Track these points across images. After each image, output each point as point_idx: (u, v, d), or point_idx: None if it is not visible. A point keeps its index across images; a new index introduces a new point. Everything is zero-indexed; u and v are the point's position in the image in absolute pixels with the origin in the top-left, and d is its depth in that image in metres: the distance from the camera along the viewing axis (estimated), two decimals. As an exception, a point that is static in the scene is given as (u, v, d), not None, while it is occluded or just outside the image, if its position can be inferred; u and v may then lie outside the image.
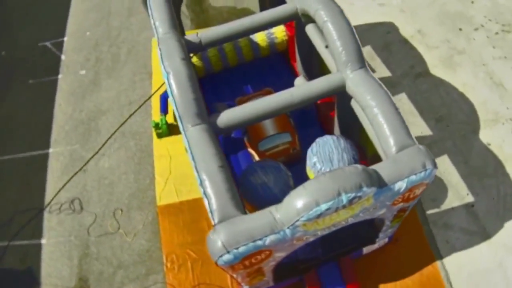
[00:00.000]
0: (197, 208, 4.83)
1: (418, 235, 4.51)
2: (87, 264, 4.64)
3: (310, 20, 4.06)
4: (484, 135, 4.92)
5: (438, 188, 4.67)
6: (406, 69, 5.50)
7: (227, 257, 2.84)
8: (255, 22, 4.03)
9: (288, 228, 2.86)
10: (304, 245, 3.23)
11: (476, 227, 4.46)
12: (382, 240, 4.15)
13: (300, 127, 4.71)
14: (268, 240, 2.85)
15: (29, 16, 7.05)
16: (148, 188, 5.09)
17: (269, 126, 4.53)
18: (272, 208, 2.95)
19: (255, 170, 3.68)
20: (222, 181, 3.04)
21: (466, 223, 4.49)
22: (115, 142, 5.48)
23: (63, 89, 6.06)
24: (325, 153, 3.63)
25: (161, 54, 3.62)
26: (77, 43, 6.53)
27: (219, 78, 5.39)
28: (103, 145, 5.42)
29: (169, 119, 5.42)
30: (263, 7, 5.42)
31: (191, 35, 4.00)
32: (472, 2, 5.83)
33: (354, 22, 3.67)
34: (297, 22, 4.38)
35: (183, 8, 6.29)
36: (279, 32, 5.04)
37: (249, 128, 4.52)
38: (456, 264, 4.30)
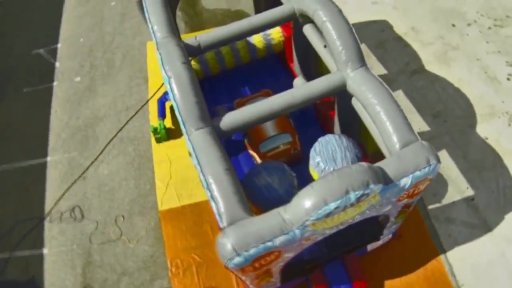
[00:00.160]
0: (199, 212, 4.83)
1: (421, 230, 4.55)
2: (90, 272, 4.59)
3: (308, 20, 4.08)
4: (481, 129, 4.98)
5: (438, 183, 4.72)
6: (401, 66, 5.55)
7: (237, 259, 2.84)
8: (253, 24, 4.03)
9: (298, 228, 2.87)
10: (311, 244, 3.25)
11: (477, 220, 4.51)
12: (386, 236, 4.19)
13: (300, 127, 4.73)
14: (278, 241, 2.86)
15: (22, 24, 6.97)
16: (149, 193, 5.06)
17: (269, 127, 4.53)
18: (281, 209, 2.96)
19: (259, 172, 3.68)
20: (229, 184, 3.04)
21: (467, 217, 4.54)
22: (113, 148, 5.44)
23: (58, 96, 6.00)
24: (328, 152, 3.65)
25: (161, 59, 3.61)
26: (71, 49, 6.47)
27: (217, 80, 5.38)
28: (102, 151, 5.43)
29: (167, 123, 5.41)
30: (258, 9, 5.43)
31: (190, 38, 3.99)
32: (464, -2, 5.93)
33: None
34: (295, 23, 4.39)
35: (177, 11, 6.27)
36: (276, 33, 5.06)
37: (250, 130, 4.53)
38: (459, 257, 4.34)
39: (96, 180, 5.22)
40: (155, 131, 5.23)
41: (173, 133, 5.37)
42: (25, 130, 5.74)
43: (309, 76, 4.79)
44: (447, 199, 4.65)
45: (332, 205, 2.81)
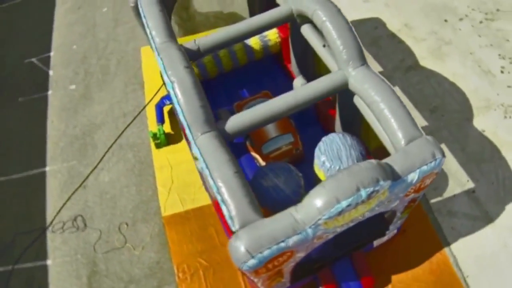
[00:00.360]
0: (203, 216, 4.82)
1: (424, 224, 4.61)
2: (96, 282, 4.54)
3: (306, 21, 4.10)
4: (478, 122, 5.07)
5: (439, 176, 4.77)
6: (396, 63, 5.62)
7: (252, 262, 2.84)
8: (252, 26, 4.04)
9: (310, 227, 2.89)
10: (321, 243, 3.27)
11: (479, 212, 4.59)
12: (391, 232, 4.23)
13: (300, 127, 4.76)
14: (291, 241, 2.88)
15: (12, 33, 6.86)
16: (151, 199, 5.03)
17: (271, 129, 4.55)
18: (292, 209, 2.98)
19: (265, 173, 3.69)
20: (239, 187, 3.04)
21: (469, 209, 4.61)
22: (113, 156, 5.39)
23: (54, 105, 5.92)
24: (333, 151, 3.68)
25: (162, 64, 3.59)
26: (64, 57, 6.39)
27: (214, 84, 5.38)
28: (101, 159, 5.38)
29: (167, 128, 5.39)
30: (252, 11, 5.44)
31: (189, 42, 3.98)
32: (454, -7, 6.02)
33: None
34: (292, 24, 4.41)
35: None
36: (272, 34, 5.07)
37: (251, 132, 4.53)
38: (463, 249, 4.41)
39: (97, 188, 5.16)
40: (154, 136, 5.20)
41: (172, 138, 5.35)
42: (22, 141, 5.65)
43: (307, 76, 4.82)
44: (448, 193, 4.72)
45: (344, 203, 2.85)
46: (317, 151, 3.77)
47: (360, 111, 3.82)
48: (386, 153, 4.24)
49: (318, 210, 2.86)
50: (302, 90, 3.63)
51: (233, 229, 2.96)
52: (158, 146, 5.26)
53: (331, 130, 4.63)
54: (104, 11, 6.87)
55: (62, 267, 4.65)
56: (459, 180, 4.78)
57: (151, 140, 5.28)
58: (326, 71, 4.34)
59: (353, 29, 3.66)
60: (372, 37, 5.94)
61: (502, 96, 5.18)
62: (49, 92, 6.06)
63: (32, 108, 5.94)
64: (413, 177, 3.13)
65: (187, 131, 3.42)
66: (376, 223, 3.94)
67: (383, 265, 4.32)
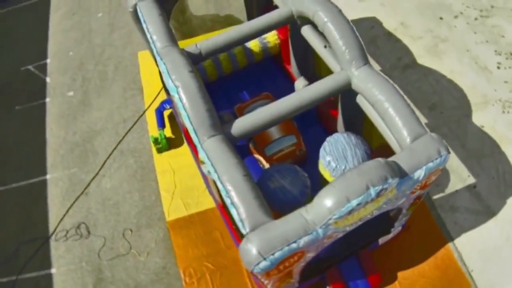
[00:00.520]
0: (208, 220, 4.81)
1: (428, 220, 4.65)
2: (102, 289, 4.52)
3: (306, 22, 4.12)
4: (477, 118, 5.13)
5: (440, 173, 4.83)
6: (394, 62, 5.67)
7: (264, 264, 2.84)
8: (253, 29, 4.05)
9: (321, 227, 2.91)
10: (330, 242, 3.29)
11: (481, 207, 4.64)
12: (396, 229, 4.26)
13: (301, 128, 4.77)
14: (302, 241, 2.89)
15: (7, 41, 6.80)
16: (154, 204, 5.00)
17: (273, 130, 4.56)
18: (302, 210, 2.99)
19: (272, 175, 3.70)
20: (248, 190, 3.04)
21: (471, 204, 4.67)
22: (114, 162, 5.36)
23: (52, 112, 5.87)
24: (339, 151, 3.70)
25: (166, 68, 3.58)
26: (61, 64, 6.34)
27: (214, 87, 5.37)
28: (102, 165, 5.34)
29: (167, 133, 5.37)
30: (250, 14, 5.44)
31: (190, 46, 3.98)
32: (448, -9, 6.09)
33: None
34: (292, 25, 4.43)
35: (167, 19, 6.23)
36: (271, 36, 5.09)
37: (254, 135, 4.54)
38: (467, 244, 4.46)
39: (99, 195, 5.13)
40: (156, 141, 5.18)
41: (173, 142, 5.34)
42: (21, 149, 5.60)
43: (307, 77, 4.84)
44: (450, 188, 4.77)
45: (354, 202, 2.87)
46: (322, 151, 3.78)
47: (363, 110, 3.85)
48: (387, 151, 4.28)
49: (329, 210, 2.87)
50: (307, 91, 3.64)
51: (244, 232, 2.95)
52: (159, 150, 5.24)
53: (333, 130, 4.65)
54: (99, 17, 6.84)
55: (67, 275, 4.62)
56: (460, 176, 4.83)
57: (152, 145, 5.26)
58: (327, 71, 4.36)
59: (355, 29, 3.68)
60: (369, 37, 5.98)
61: (499, 92, 5.25)
62: (47, 100, 6.01)
63: (30, 116, 5.89)
64: (419, 174, 3.16)
65: (193, 135, 3.42)
66: (382, 221, 3.97)
67: (389, 262, 4.35)
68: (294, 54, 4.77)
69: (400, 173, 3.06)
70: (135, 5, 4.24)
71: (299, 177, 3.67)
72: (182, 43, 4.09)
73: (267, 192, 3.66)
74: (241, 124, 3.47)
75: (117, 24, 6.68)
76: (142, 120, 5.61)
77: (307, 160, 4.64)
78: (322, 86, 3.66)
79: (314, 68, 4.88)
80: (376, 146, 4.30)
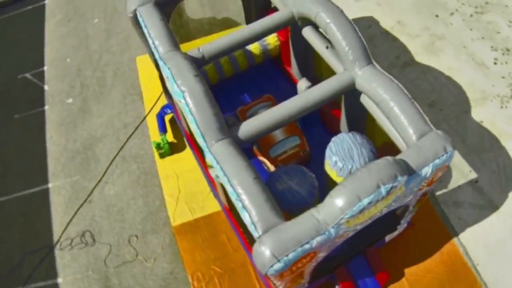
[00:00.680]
0: (214, 223, 4.81)
1: (432, 216, 4.70)
2: (110, 296, 4.49)
3: (307, 23, 4.15)
4: (476, 114, 5.20)
5: (442, 169, 4.88)
6: (392, 60, 5.72)
7: (278, 265, 2.86)
8: (254, 32, 4.06)
9: (333, 227, 2.93)
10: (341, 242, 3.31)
11: (484, 201, 4.70)
12: (402, 226, 4.30)
13: (303, 129, 4.79)
14: (315, 242, 2.91)
15: (2, 49, 6.72)
16: (159, 210, 4.98)
17: (277, 132, 4.56)
18: (313, 210, 3.01)
19: (279, 176, 3.71)
20: (259, 192, 3.05)
21: (474, 199, 4.72)
22: (116, 168, 5.33)
23: (52, 120, 5.81)
24: (345, 151, 3.72)
25: (171, 73, 3.58)
26: (58, 71, 6.29)
27: (215, 90, 5.35)
28: (105, 172, 5.32)
29: (169, 137, 5.36)
30: (248, 16, 5.45)
31: (193, 50, 3.98)
32: (443, -11, 6.16)
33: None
34: (292, 27, 4.45)
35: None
36: (271, 38, 5.10)
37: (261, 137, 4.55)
38: (471, 239, 4.51)
39: (103, 202, 5.10)
40: (158, 146, 5.17)
41: (176, 147, 5.33)
42: (21, 158, 5.53)
43: (308, 78, 4.85)
44: (452, 184, 4.83)
45: (366, 201, 2.90)
46: (328, 152, 3.80)
47: (367, 110, 3.88)
48: (390, 149, 4.32)
49: (341, 210, 2.90)
50: (312, 92, 3.66)
51: (256, 235, 2.96)
52: (162, 156, 5.23)
53: (335, 130, 4.68)
54: (95, 23, 6.80)
55: (73, 284, 4.58)
56: (462, 171, 4.89)
57: (154, 150, 5.24)
58: (328, 72, 4.39)
59: (357, 29, 3.72)
60: (367, 36, 6.01)
61: (497, 87, 5.32)
62: (46, 107, 5.95)
63: (29, 124, 5.83)
64: (427, 171, 3.21)
65: (200, 140, 3.41)
66: (389, 219, 4.00)
67: (395, 260, 4.39)
68: (295, 56, 4.79)
69: (408, 171, 3.10)
70: (135, 10, 4.24)
71: (307, 178, 3.69)
72: (181, 47, 4.09)
73: (275, 194, 3.65)
74: (248, 127, 3.48)
75: (113, 29, 6.65)
76: (143, 126, 5.59)
77: (311, 160, 4.67)
78: (327, 87, 3.68)
79: (314, 69, 4.91)
80: (379, 145, 4.33)
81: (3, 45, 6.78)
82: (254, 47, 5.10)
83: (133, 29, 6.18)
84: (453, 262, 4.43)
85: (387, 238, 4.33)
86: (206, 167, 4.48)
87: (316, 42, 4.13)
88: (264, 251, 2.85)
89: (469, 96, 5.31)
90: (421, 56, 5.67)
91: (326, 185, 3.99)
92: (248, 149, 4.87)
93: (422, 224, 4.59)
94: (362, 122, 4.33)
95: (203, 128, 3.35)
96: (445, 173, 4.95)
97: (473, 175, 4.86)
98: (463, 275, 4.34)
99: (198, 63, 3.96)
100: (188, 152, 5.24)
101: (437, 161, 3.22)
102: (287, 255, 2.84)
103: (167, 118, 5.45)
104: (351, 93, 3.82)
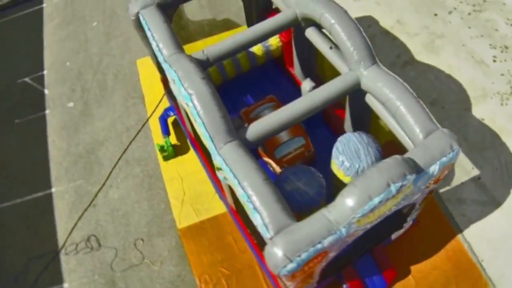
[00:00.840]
0: (220, 225, 4.82)
1: (437, 213, 4.75)
2: (118, 301, 4.47)
3: (310, 24, 4.16)
4: (477, 111, 5.25)
5: (445, 166, 4.91)
6: (393, 59, 5.75)
7: (290, 266, 2.87)
8: (258, 33, 4.07)
9: (344, 226, 2.95)
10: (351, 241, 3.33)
11: (486, 197, 4.75)
12: (408, 223, 4.33)
13: (307, 129, 4.80)
14: (326, 242, 2.93)
15: (1, 53, 6.67)
16: (164, 213, 4.98)
17: (282, 133, 4.57)
18: (324, 211, 3.02)
19: (287, 177, 3.72)
20: (270, 194, 3.06)
21: (477, 195, 4.77)
22: (120, 172, 5.31)
23: (53, 124, 5.78)
24: (351, 150, 3.74)
25: (177, 76, 3.57)
26: (58, 75, 6.25)
27: (219, 91, 5.35)
28: (109, 176, 5.30)
29: (173, 140, 5.35)
30: (249, 18, 5.45)
31: (197, 52, 3.98)
32: (441, -13, 6.21)
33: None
34: (295, 28, 4.46)
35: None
36: (273, 39, 5.11)
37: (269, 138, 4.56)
38: (475, 235, 4.56)
39: (107, 206, 5.08)
40: (162, 149, 5.16)
41: (179, 149, 5.32)
42: (24, 163, 5.50)
43: (310, 78, 4.87)
44: (455, 181, 4.87)
45: (376, 200, 2.93)
46: (335, 151, 3.82)
47: (371, 109, 3.91)
48: (394, 148, 4.35)
49: (352, 209, 2.92)
50: (318, 93, 3.68)
51: (268, 236, 2.97)
52: (166, 158, 5.22)
53: (339, 130, 4.70)
54: (94, 26, 6.76)
55: (80, 289, 4.56)
56: (464, 169, 4.94)
57: (158, 153, 5.24)
58: (330, 72, 4.41)
59: (362, 29, 3.74)
60: (367, 35, 6.00)
61: (497, 84, 5.38)
62: (47, 112, 5.92)
63: (30, 129, 5.79)
64: (434, 169, 3.24)
65: (208, 143, 3.41)
66: (396, 217, 4.03)
67: (401, 257, 4.43)
68: (297, 56, 4.80)
69: (417, 169, 3.13)
70: (138, 13, 4.22)
71: (315, 178, 3.70)
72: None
73: (284, 195, 3.63)
74: (256, 129, 3.49)
75: (113, 32, 6.62)
76: (146, 128, 5.58)
77: (315, 160, 4.68)
78: (333, 88, 3.70)
79: (317, 69, 4.93)
80: (382, 144, 4.36)
81: (1, 50, 6.73)
82: (256, 48, 5.11)
83: (132, 32, 6.17)
84: (458, 258, 4.48)
85: (393, 236, 4.37)
86: (211, 168, 4.49)
87: (319, 42, 4.14)
88: (276, 252, 2.86)
89: (470, 93, 5.37)
90: (421, 55, 5.72)
91: (331, 185, 4.02)
92: (253, 151, 4.88)
93: (427, 221, 4.63)
94: (366, 122, 4.35)
95: (212, 130, 3.35)
96: (449, 170, 5.01)
97: (475, 172, 4.91)
98: (469, 271, 4.39)
99: (203, 65, 3.96)
100: (191, 154, 5.24)
101: (444, 159, 3.25)
102: (299, 256, 2.86)
103: (170, 120, 5.45)
104: (356, 93, 3.84)
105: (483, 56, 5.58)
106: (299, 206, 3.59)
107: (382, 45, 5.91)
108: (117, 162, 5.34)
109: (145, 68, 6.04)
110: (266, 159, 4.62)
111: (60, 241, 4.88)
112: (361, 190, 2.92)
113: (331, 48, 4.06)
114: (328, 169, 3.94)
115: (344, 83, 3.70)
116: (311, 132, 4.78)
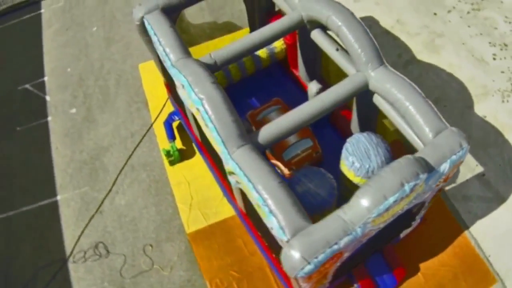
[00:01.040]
0: (229, 228, 4.82)
1: (443, 211, 4.79)
2: (129, 307, 4.46)
3: (315, 26, 4.19)
4: (479, 109, 5.32)
5: (450, 164, 4.97)
6: (394, 59, 5.80)
7: (308, 268, 2.89)
8: (265, 36, 4.08)
9: (359, 227, 2.98)
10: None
11: (491, 194, 4.81)
12: (416, 222, 4.38)
13: (313, 130, 4.83)
14: (342, 242, 2.96)
15: (0, 60, 6.61)
16: (172, 218, 4.97)
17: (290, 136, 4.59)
18: (339, 212, 3.05)
19: (299, 179, 3.74)
20: (285, 197, 3.08)
21: (482, 192, 4.83)
22: (126, 177, 5.29)
23: (56, 131, 5.74)
24: (361, 151, 3.77)
25: (187, 81, 3.57)
26: (59, 81, 6.20)
27: None
28: (114, 182, 5.27)
29: (178, 144, 5.34)
30: (251, 20, 5.46)
31: (205, 57, 3.98)
32: (439, -13, 6.28)
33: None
34: (300, 30, 4.48)
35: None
36: (277, 42, 5.13)
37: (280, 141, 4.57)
38: (481, 231, 4.62)
39: (114, 213, 5.05)
40: (168, 154, 5.14)
41: (185, 154, 5.31)
42: (27, 171, 5.45)
43: (315, 80, 4.89)
44: (460, 179, 4.93)
45: (391, 199, 2.97)
46: (344, 153, 3.84)
47: (378, 110, 3.94)
48: (399, 147, 4.39)
49: (367, 209, 2.95)
50: (327, 95, 3.70)
51: (285, 238, 2.98)
52: (172, 163, 5.21)
53: (345, 130, 4.73)
54: (94, 31, 6.73)
55: (90, 297, 4.54)
56: (469, 166, 4.99)
57: (164, 158, 5.22)
58: (336, 73, 4.43)
59: (368, 30, 3.77)
60: (367, 36, 6.10)
61: (497, 82, 5.45)
62: (49, 118, 5.87)
63: (33, 136, 5.74)
64: (444, 167, 3.29)
65: (220, 147, 3.42)
66: (406, 215, 4.06)
67: (410, 255, 4.46)
68: (302, 58, 4.82)
69: (428, 168, 3.17)
70: (142, 18, 4.22)
71: (326, 179, 3.73)
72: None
73: (296, 197, 3.69)
74: (267, 132, 3.51)
75: (113, 37, 6.59)
76: (150, 133, 5.56)
77: (322, 161, 4.71)
78: (341, 89, 3.73)
79: (321, 71, 4.95)
80: (388, 143, 4.40)
81: (1, 57, 6.66)
82: (261, 51, 5.12)
83: (133, 36, 6.18)
84: (465, 255, 4.53)
85: (402, 234, 4.41)
86: (219, 172, 4.49)
87: (325, 44, 4.17)
88: (294, 254, 2.88)
89: (471, 91, 5.43)
90: (422, 54, 5.77)
91: (341, 185, 4.04)
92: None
93: (434, 219, 4.68)
94: (373, 122, 4.39)
95: (224, 135, 3.36)
96: (457, 168, 5.06)
97: (479, 169, 4.97)
98: (476, 267, 4.44)
99: (210, 70, 3.95)
100: (197, 158, 5.23)
101: (454, 157, 3.30)
102: (316, 257, 2.88)
103: (175, 124, 5.43)
104: (363, 94, 3.88)
105: (483, 54, 5.65)
106: (311, 208, 3.60)
107: (383, 45, 5.93)
108: (122, 168, 5.32)
109: (148, 73, 6.02)
110: (274, 161, 4.64)
111: (68, 249, 4.85)
112: (376, 190, 2.96)
113: (337, 49, 4.09)
114: (336, 169, 3.97)
115: (353, 84, 3.73)
116: (317, 134, 4.81)
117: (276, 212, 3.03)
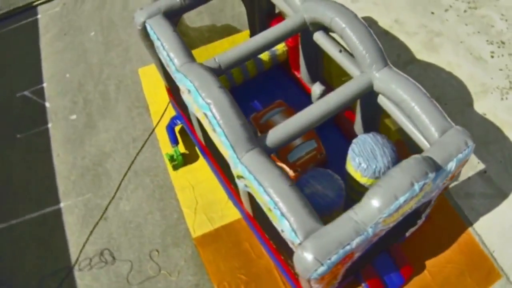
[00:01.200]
0: (235, 232, 4.82)
1: (447, 209, 4.84)
2: (137, 314, 4.43)
3: (317, 28, 4.21)
4: (479, 107, 5.38)
5: (452, 162, 5.02)
6: (394, 59, 5.85)
7: (321, 269, 2.92)
8: (268, 39, 4.10)
9: (371, 227, 3.01)
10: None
11: (493, 190, 4.87)
12: (422, 220, 4.42)
13: (317, 131, 4.85)
14: (355, 243, 2.99)
15: (-2, 68, 6.56)
16: (178, 222, 4.95)
17: None
18: (350, 213, 3.07)
19: (307, 181, 3.76)
20: (296, 199, 3.09)
21: (484, 188, 4.89)
22: (129, 183, 5.26)
23: (57, 138, 5.69)
24: (368, 151, 3.80)
25: (194, 86, 3.57)
26: (58, 87, 6.15)
27: None
28: (118, 188, 5.25)
29: (181, 148, 5.33)
30: (251, 22, 5.48)
31: (209, 61, 3.98)
32: (435, -15, 6.35)
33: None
34: (302, 32, 4.50)
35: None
36: (279, 44, 5.13)
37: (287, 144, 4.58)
38: (485, 227, 4.67)
39: (119, 219, 5.02)
40: (171, 158, 5.13)
41: (188, 158, 5.31)
42: (29, 179, 5.38)
43: (316, 82, 4.92)
44: (462, 176, 4.98)
45: (402, 199, 3.01)
46: (351, 153, 3.87)
47: (382, 110, 3.98)
48: (402, 147, 4.42)
49: (379, 209, 2.98)
50: (333, 96, 3.72)
51: (297, 241, 3.00)
52: (175, 167, 5.20)
53: (349, 131, 4.76)
54: (92, 36, 6.68)
55: (97, 304, 4.51)
56: (470, 163, 5.05)
57: (167, 162, 5.21)
58: (339, 75, 4.45)
59: (372, 32, 3.80)
60: (366, 36, 6.13)
61: (496, 80, 5.53)
62: (49, 125, 5.82)
63: (34, 144, 5.68)
64: (451, 166, 3.34)
65: (229, 151, 3.42)
66: (413, 214, 4.10)
67: (416, 253, 4.50)
68: (305, 60, 4.84)
69: (436, 167, 3.21)
70: (144, 22, 4.20)
71: (334, 180, 3.75)
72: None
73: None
74: (275, 135, 3.52)
75: (112, 42, 6.55)
76: (153, 138, 5.54)
77: (327, 162, 4.73)
78: (346, 91, 3.76)
79: (323, 73, 4.98)
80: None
81: (-2, 63, 6.61)
82: (262, 54, 5.12)
83: (132, 41, 6.15)
84: (470, 251, 4.58)
85: (408, 233, 4.44)
86: (224, 175, 4.49)
87: (328, 46, 4.19)
88: (307, 256, 2.90)
89: (470, 89, 5.50)
90: (421, 54, 5.83)
91: (347, 186, 4.06)
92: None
93: (438, 216, 4.72)
94: (377, 122, 4.43)
95: (232, 139, 3.36)
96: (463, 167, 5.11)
97: (481, 166, 5.03)
98: (481, 263, 4.50)
99: (216, 73, 3.97)
100: (201, 162, 5.23)
101: (460, 155, 3.35)
102: (330, 258, 2.90)
103: (177, 129, 5.42)
104: (367, 95, 3.91)
105: (481, 52, 5.72)
106: (320, 209, 3.60)
107: (382, 46, 5.96)
108: (125, 174, 5.29)
109: (147, 77, 6.01)
110: (279, 163, 4.64)
111: (73, 257, 4.80)
112: (387, 190, 2.99)
113: (340, 51, 4.12)
114: (340, 170, 4.00)
115: (358, 86, 3.76)
116: (321, 135, 4.83)
117: (288, 215, 3.04)
